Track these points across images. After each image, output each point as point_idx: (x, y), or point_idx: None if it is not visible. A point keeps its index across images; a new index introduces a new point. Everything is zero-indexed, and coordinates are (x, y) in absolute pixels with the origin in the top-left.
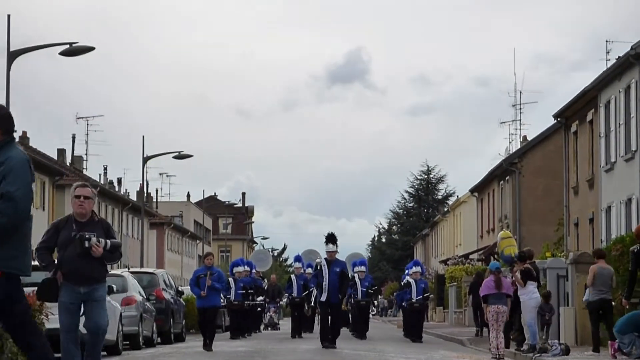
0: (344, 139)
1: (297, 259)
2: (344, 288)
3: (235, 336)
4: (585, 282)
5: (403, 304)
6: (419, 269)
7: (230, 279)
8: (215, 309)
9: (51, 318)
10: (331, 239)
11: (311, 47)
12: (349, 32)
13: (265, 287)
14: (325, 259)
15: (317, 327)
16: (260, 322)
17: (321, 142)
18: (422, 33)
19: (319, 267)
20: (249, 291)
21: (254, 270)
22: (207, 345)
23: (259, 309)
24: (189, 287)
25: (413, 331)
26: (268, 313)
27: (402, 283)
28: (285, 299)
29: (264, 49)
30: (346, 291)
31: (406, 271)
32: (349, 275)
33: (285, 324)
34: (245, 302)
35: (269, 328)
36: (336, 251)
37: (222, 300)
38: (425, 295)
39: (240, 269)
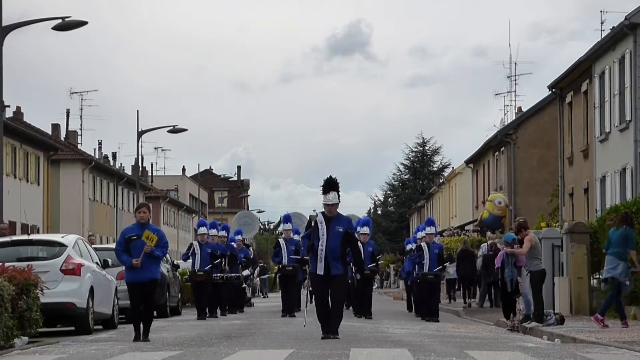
0: (342, 111)
1: (287, 219)
2: (355, 255)
3: (201, 316)
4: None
5: (415, 274)
6: (432, 229)
7: (195, 243)
8: (153, 283)
9: (46, 292)
10: (331, 185)
11: (311, 18)
12: (349, 3)
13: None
14: (323, 213)
15: (305, 305)
16: (241, 299)
17: (319, 114)
18: (421, 4)
19: (313, 224)
20: (216, 261)
21: (237, 237)
22: (139, 336)
23: (240, 282)
24: (181, 260)
25: (425, 308)
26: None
27: (406, 249)
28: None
29: (263, 20)
30: (358, 260)
31: (414, 235)
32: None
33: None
34: (214, 274)
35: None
36: (338, 204)
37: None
38: (443, 265)
39: (203, 229)
